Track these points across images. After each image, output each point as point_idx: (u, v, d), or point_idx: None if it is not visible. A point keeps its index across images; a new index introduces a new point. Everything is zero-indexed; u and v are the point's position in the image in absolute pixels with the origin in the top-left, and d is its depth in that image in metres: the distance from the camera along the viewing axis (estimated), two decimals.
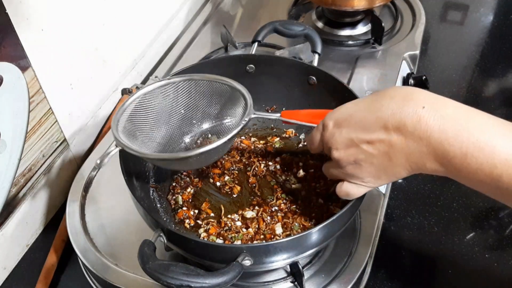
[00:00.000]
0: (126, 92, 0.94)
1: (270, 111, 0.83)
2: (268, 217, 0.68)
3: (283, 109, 0.82)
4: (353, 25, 1.04)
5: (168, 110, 0.71)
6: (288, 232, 0.67)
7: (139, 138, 0.67)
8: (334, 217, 0.55)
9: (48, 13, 0.72)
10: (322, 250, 0.67)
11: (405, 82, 0.94)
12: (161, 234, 0.57)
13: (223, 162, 0.76)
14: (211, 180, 0.75)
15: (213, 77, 0.70)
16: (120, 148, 0.61)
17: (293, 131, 0.81)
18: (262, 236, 0.66)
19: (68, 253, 0.74)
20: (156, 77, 0.71)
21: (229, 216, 0.69)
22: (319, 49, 0.83)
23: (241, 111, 0.68)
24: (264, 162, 0.77)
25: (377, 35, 1.00)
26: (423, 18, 1.07)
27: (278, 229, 0.67)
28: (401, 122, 0.48)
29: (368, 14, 1.02)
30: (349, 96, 0.71)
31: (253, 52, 0.85)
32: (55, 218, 0.81)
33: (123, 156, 0.63)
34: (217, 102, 0.72)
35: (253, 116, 0.65)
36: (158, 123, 0.70)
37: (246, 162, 0.77)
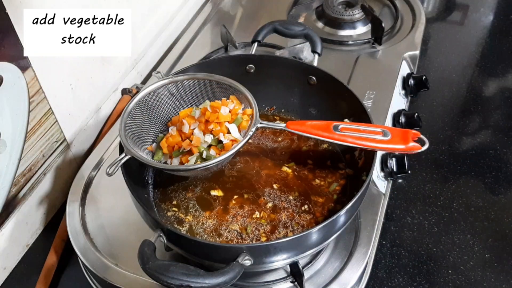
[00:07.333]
0: (126, 92, 0.94)
1: (270, 111, 0.83)
2: (268, 215, 0.68)
3: (282, 110, 0.82)
4: (353, 25, 1.04)
5: (168, 109, 0.72)
6: (288, 232, 0.67)
7: (144, 138, 0.68)
8: (334, 217, 0.55)
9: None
10: (322, 250, 0.67)
11: (405, 82, 0.94)
12: (161, 234, 0.57)
13: None
14: None
15: (220, 78, 0.70)
16: (130, 156, 0.61)
17: None
18: (262, 236, 0.66)
19: (68, 253, 0.74)
20: (158, 72, 0.71)
21: (230, 212, 0.69)
22: (319, 49, 0.83)
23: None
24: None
25: (377, 35, 1.00)
26: (423, 18, 1.06)
27: (277, 229, 0.67)
28: None
29: (368, 14, 1.02)
30: (349, 96, 0.71)
31: (253, 52, 0.85)
32: (55, 218, 0.81)
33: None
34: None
35: (259, 125, 0.65)
36: (158, 120, 0.71)
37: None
